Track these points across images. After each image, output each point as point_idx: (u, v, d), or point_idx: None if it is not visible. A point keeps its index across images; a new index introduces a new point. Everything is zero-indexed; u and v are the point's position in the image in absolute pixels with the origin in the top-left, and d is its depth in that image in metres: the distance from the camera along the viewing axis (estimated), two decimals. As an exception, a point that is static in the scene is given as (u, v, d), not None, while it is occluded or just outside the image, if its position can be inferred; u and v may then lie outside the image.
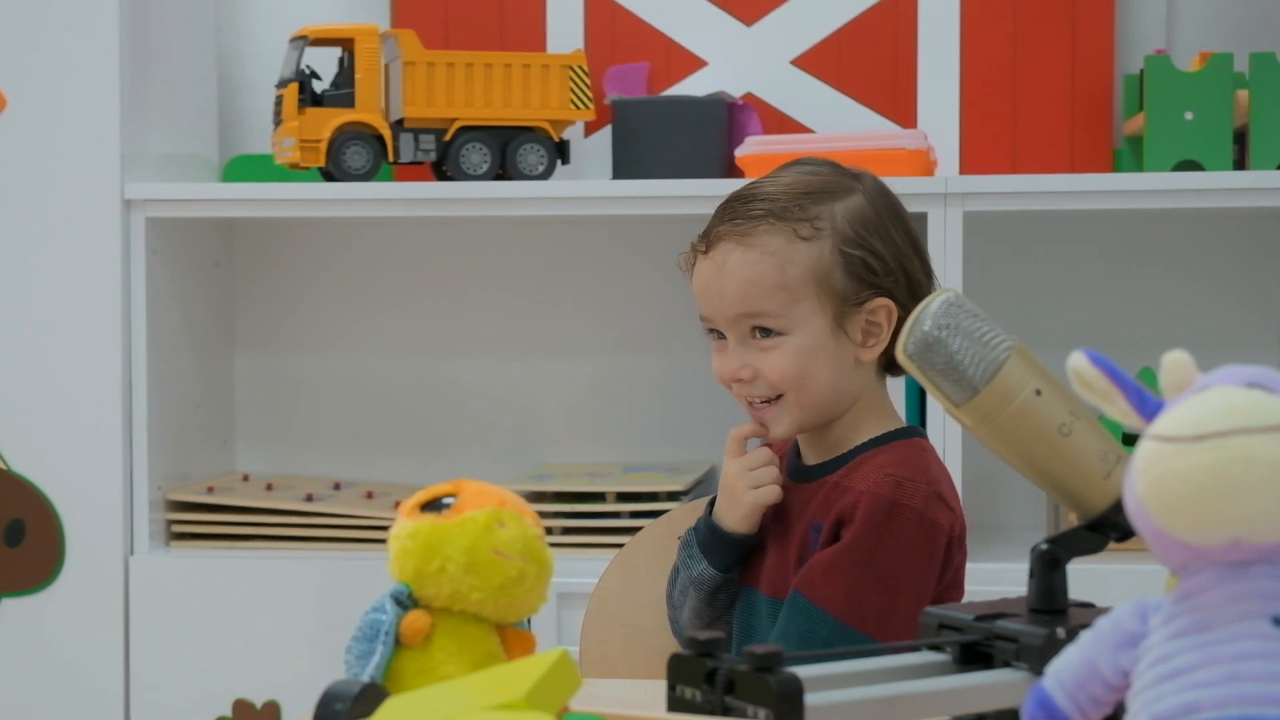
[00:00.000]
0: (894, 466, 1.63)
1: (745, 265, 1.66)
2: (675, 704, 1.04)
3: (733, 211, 1.69)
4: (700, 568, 1.70)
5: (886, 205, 1.71)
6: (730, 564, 1.69)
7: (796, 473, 1.72)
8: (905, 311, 1.65)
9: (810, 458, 1.73)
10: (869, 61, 2.85)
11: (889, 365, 1.71)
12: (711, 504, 1.73)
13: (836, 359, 1.67)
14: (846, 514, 1.62)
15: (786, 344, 1.66)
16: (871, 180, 1.73)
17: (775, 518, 1.70)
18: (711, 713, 1.02)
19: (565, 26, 2.89)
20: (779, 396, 1.67)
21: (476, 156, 2.67)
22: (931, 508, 1.61)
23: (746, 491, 1.67)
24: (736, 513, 1.68)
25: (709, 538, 1.70)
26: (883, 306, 1.67)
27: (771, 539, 1.69)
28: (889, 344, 1.66)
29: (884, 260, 1.67)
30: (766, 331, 1.66)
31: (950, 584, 1.64)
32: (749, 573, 1.70)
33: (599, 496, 2.67)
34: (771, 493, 1.67)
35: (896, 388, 2.33)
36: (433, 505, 1.15)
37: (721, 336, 1.70)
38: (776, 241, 1.66)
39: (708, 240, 1.70)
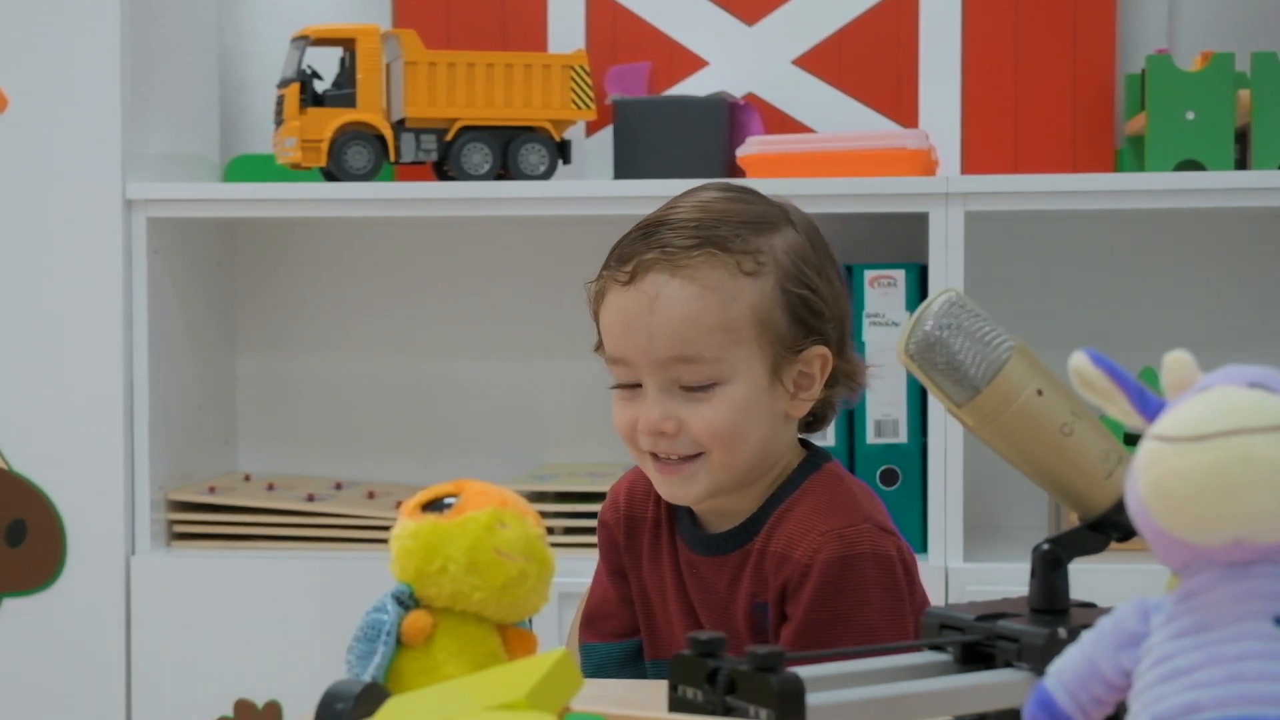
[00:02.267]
0: (825, 520, 1.48)
1: (682, 301, 1.46)
2: (676, 704, 1.04)
3: (660, 239, 1.48)
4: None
5: (820, 241, 1.55)
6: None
7: (699, 543, 1.54)
8: (839, 362, 1.52)
9: (715, 524, 1.54)
10: (870, 61, 2.85)
11: (810, 423, 1.57)
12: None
13: (770, 413, 1.50)
14: (791, 588, 1.47)
15: (721, 394, 1.47)
16: (799, 212, 1.56)
17: (694, 594, 1.53)
18: (713, 713, 1.02)
19: (566, 26, 2.89)
20: (699, 455, 1.49)
21: (478, 156, 2.67)
22: (878, 543, 1.48)
23: None
24: None
25: None
26: (819, 356, 1.51)
27: (699, 617, 1.53)
28: (817, 399, 1.52)
29: (826, 303, 1.51)
30: (696, 378, 1.48)
31: (920, 605, 1.51)
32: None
33: (600, 496, 2.65)
34: None
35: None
36: (434, 505, 1.15)
37: (631, 381, 1.51)
38: (719, 275, 1.47)
39: (632, 269, 1.48)
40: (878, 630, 1.46)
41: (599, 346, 1.56)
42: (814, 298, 1.51)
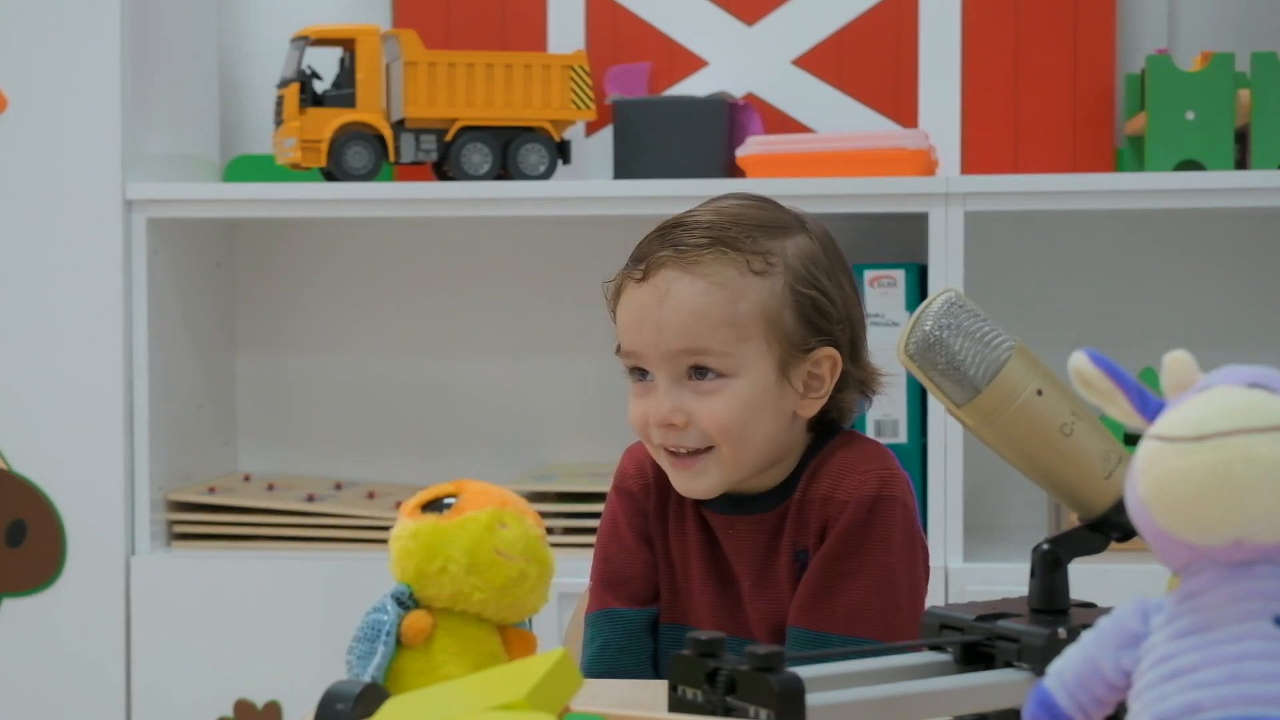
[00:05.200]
0: (864, 461, 1.53)
1: (693, 296, 1.51)
2: (676, 704, 1.04)
3: (673, 238, 1.54)
4: None
5: (834, 248, 1.59)
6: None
7: (731, 504, 1.58)
8: (849, 365, 1.56)
9: (745, 488, 1.58)
10: (870, 61, 2.85)
11: (818, 423, 1.59)
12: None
13: (777, 411, 1.54)
14: (830, 524, 1.52)
15: (729, 389, 1.52)
16: (814, 221, 1.60)
17: (732, 555, 1.57)
18: (713, 713, 1.02)
19: (566, 26, 2.89)
20: (709, 448, 1.53)
21: (477, 156, 2.67)
22: (906, 492, 1.54)
23: None
24: None
25: None
26: (828, 358, 1.54)
27: (741, 583, 1.57)
28: (827, 401, 1.56)
29: (835, 305, 1.55)
30: (705, 372, 1.52)
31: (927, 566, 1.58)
32: (730, 622, 1.56)
33: (600, 496, 2.66)
34: None
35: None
36: (434, 505, 1.15)
37: (645, 375, 1.56)
38: (728, 273, 1.52)
39: (645, 266, 1.55)
40: (894, 571, 1.51)
41: (620, 349, 1.61)
42: (823, 299, 1.54)
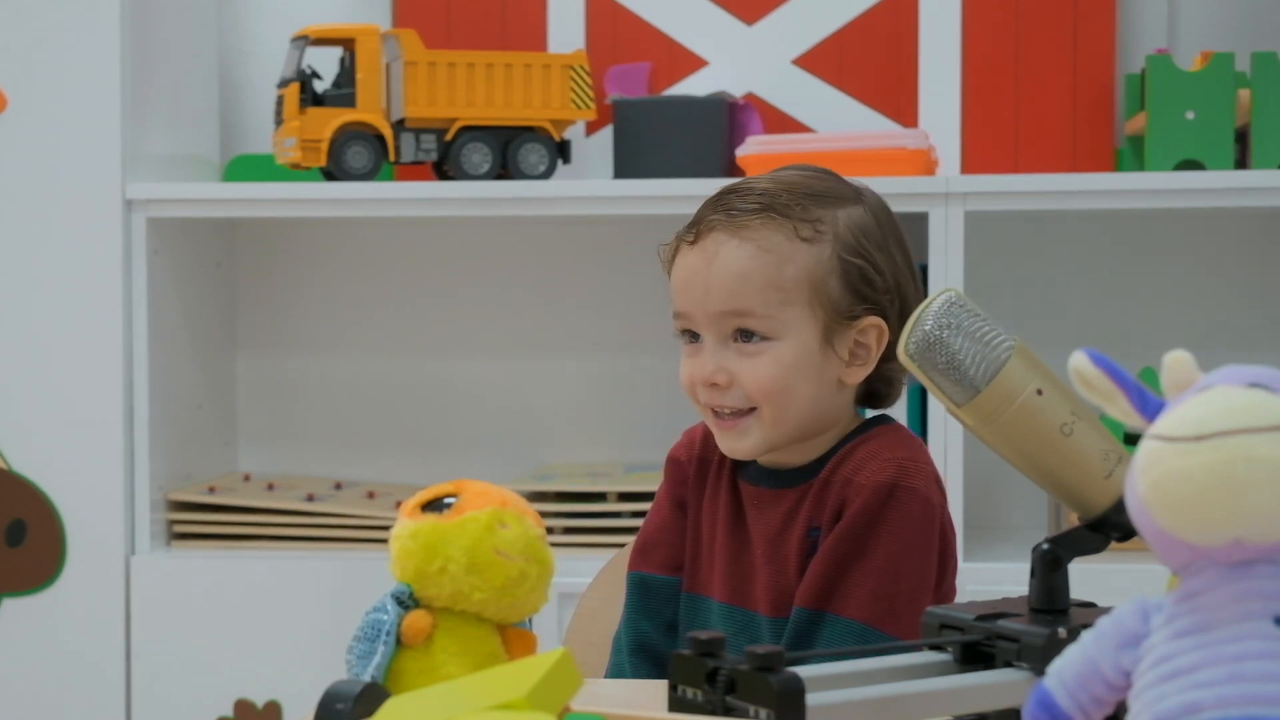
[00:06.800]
0: (891, 451, 1.55)
1: (739, 259, 1.55)
2: (676, 704, 1.04)
3: (726, 203, 1.58)
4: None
5: (889, 221, 1.62)
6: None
7: (765, 476, 1.61)
8: (896, 336, 1.55)
9: (782, 459, 1.61)
10: (870, 61, 2.85)
11: (868, 395, 1.62)
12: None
13: (820, 376, 1.56)
14: (845, 506, 1.54)
15: (771, 351, 1.55)
16: (873, 195, 1.63)
17: (755, 527, 1.59)
18: (713, 713, 1.02)
19: (566, 26, 2.89)
20: (751, 410, 1.56)
21: (477, 156, 2.67)
22: (930, 490, 1.54)
23: None
24: None
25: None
26: (874, 326, 1.57)
27: (755, 554, 1.59)
28: (875, 370, 1.58)
29: (882, 275, 1.57)
30: (750, 335, 1.55)
31: (946, 594, 1.58)
32: (739, 593, 1.59)
33: (600, 496, 2.67)
34: None
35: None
36: (434, 505, 1.15)
37: (695, 338, 1.59)
38: (776, 238, 1.55)
39: (697, 230, 1.58)
40: (899, 561, 1.51)
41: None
42: (870, 269, 1.57)
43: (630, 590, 1.68)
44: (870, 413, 1.66)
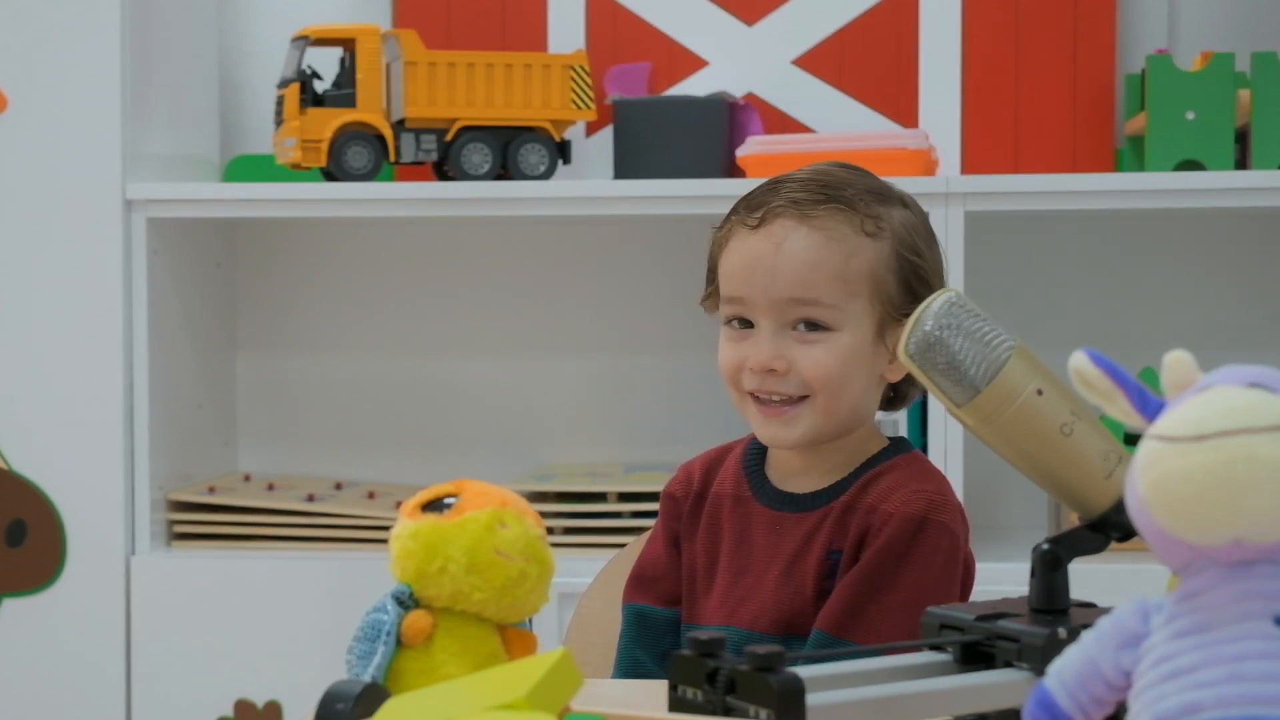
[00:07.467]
0: (919, 482, 1.55)
1: (810, 247, 1.54)
2: (676, 704, 1.04)
3: (790, 190, 1.57)
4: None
5: (927, 226, 1.64)
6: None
7: (784, 501, 1.60)
8: None
9: (801, 484, 1.60)
10: (870, 61, 2.85)
11: (891, 399, 1.63)
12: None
13: (870, 370, 1.57)
14: (872, 534, 1.53)
15: (832, 340, 1.54)
16: (910, 197, 1.66)
17: (760, 553, 1.58)
18: (713, 713, 1.02)
19: (566, 26, 2.89)
20: (803, 398, 1.55)
21: (478, 156, 2.67)
22: (956, 525, 1.55)
23: None
24: None
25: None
26: None
27: (757, 576, 1.58)
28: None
29: (933, 275, 1.59)
30: (811, 324, 1.54)
31: (968, 598, 1.57)
32: (735, 615, 1.58)
33: (600, 496, 2.67)
34: None
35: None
36: (434, 505, 1.15)
37: (746, 324, 1.57)
38: (844, 229, 1.55)
39: (761, 215, 1.56)
40: (927, 594, 1.50)
41: (706, 298, 1.62)
42: (924, 268, 1.58)
43: (627, 621, 1.67)
44: (885, 427, 1.66)
